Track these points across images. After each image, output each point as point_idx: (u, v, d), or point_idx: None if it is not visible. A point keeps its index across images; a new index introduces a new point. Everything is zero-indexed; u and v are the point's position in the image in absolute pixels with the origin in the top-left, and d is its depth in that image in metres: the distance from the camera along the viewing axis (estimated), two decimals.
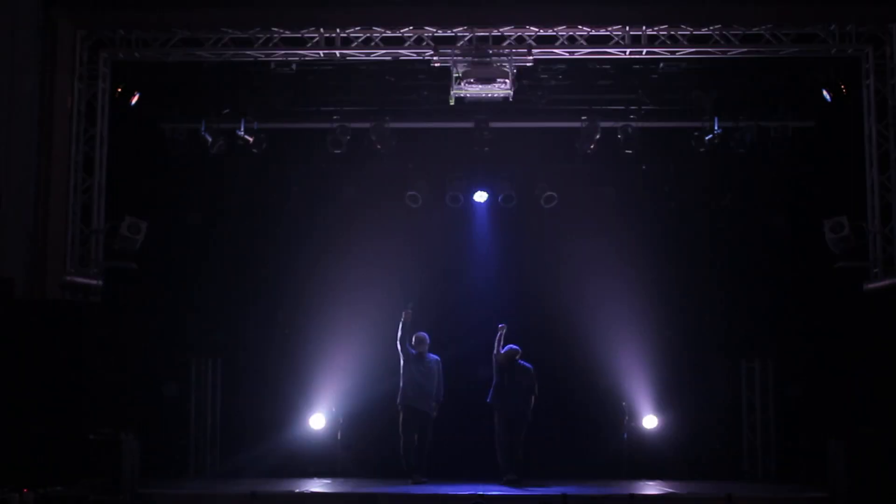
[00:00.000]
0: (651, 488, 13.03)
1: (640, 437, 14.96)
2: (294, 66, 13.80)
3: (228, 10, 12.96)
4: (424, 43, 13.12)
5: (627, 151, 14.67)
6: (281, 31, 13.07)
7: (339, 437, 14.93)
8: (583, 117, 14.57)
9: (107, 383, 11.86)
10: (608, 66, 13.87)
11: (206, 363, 15.20)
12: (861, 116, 13.08)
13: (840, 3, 12.88)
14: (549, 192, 15.26)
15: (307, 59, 13.47)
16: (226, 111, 14.65)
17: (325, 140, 14.72)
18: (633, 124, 14.59)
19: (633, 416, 14.98)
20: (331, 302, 15.53)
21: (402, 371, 13.70)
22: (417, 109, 14.55)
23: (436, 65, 13.13)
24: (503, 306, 15.22)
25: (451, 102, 13.42)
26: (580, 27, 12.95)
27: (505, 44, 13.05)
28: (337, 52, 13.21)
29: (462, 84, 13.01)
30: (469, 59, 12.94)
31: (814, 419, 14.31)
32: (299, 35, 13.12)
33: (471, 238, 15.72)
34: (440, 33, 13.09)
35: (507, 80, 12.94)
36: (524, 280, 15.48)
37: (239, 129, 14.58)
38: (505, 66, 12.92)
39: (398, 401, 13.68)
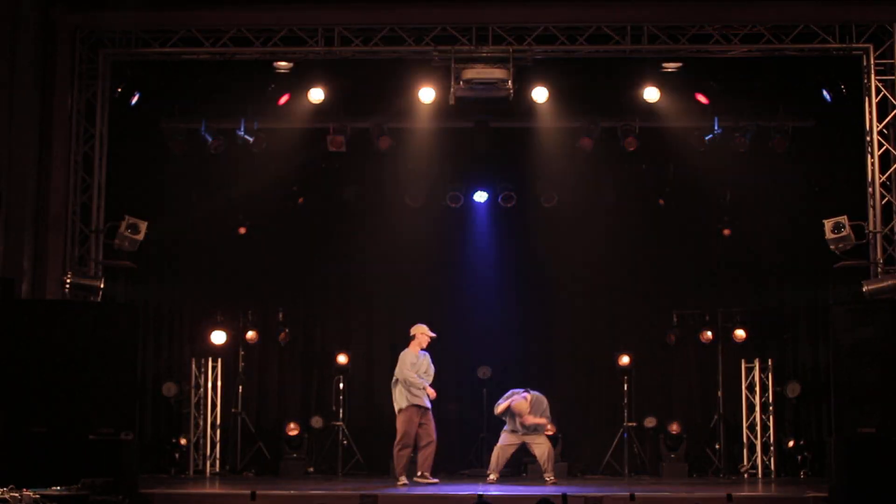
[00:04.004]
0: (651, 488, 13.02)
1: (640, 436, 14.95)
2: (294, 66, 13.83)
3: (228, 9, 12.95)
4: (424, 42, 13.12)
5: (627, 151, 14.66)
6: (281, 30, 13.07)
7: (339, 437, 14.91)
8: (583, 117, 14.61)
9: (107, 383, 11.85)
10: (608, 66, 13.86)
11: (206, 363, 15.19)
12: (861, 116, 13.08)
13: (840, 3, 12.87)
14: (549, 192, 15.26)
15: (307, 58, 13.47)
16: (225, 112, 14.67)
17: (324, 140, 14.71)
18: (633, 124, 14.57)
19: (634, 417, 14.97)
20: (331, 302, 15.56)
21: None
22: (417, 109, 14.52)
23: (436, 64, 13.14)
24: (503, 306, 15.24)
25: (451, 102, 13.42)
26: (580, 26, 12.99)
27: (505, 43, 13.05)
28: (337, 52, 13.21)
29: (462, 84, 13.00)
30: (469, 58, 12.95)
31: (814, 419, 14.28)
32: (299, 35, 13.12)
33: (471, 238, 15.71)
34: (440, 33, 13.09)
35: (507, 80, 12.93)
36: (524, 280, 15.49)
37: (239, 129, 14.58)
38: (505, 66, 12.92)
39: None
